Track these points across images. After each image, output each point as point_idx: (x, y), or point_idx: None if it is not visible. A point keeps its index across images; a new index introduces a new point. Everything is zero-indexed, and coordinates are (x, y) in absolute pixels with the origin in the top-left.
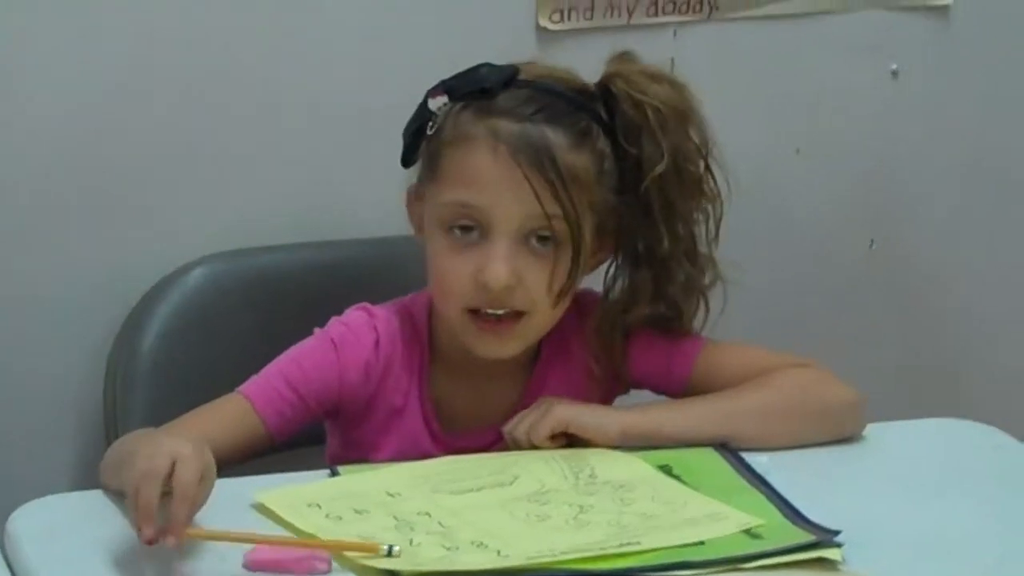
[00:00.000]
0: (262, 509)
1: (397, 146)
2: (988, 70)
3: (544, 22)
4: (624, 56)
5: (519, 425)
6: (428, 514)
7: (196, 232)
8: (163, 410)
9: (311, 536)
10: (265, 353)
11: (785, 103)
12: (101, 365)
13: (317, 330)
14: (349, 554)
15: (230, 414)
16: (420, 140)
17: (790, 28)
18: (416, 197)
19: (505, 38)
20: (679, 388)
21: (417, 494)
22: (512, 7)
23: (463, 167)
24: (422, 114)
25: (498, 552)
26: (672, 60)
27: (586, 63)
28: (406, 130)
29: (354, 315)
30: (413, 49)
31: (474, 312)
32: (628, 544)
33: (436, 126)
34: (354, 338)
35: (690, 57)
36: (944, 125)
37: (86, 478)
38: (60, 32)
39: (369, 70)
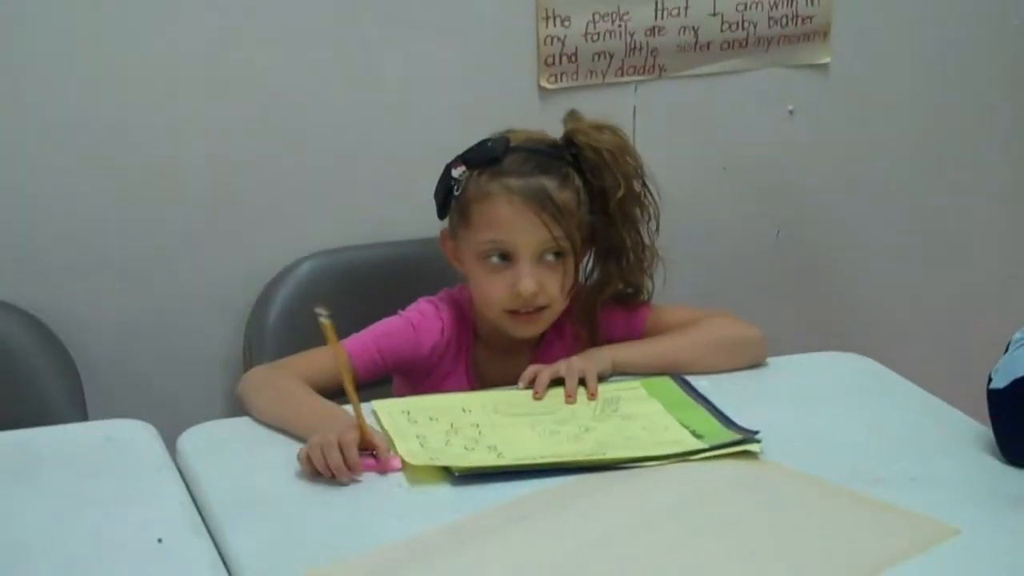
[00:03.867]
0: (375, 414)
1: (439, 171)
2: (855, 107)
3: (544, 83)
4: (574, 115)
5: (563, 369)
6: (478, 425)
7: (304, 236)
8: None
9: (386, 430)
10: (354, 325)
11: (714, 135)
12: (240, 331)
13: (400, 311)
14: (413, 462)
15: (332, 362)
16: (450, 200)
17: (717, 82)
18: (449, 238)
19: (515, 94)
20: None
21: (481, 411)
22: (520, 73)
23: (489, 216)
24: (447, 181)
25: (499, 455)
26: (634, 108)
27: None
28: (436, 193)
29: (426, 307)
30: (451, 105)
31: (511, 311)
32: (594, 454)
33: (461, 189)
34: (428, 325)
35: (647, 105)
36: (826, 146)
37: (230, 410)
38: (208, 98)
39: (422, 121)
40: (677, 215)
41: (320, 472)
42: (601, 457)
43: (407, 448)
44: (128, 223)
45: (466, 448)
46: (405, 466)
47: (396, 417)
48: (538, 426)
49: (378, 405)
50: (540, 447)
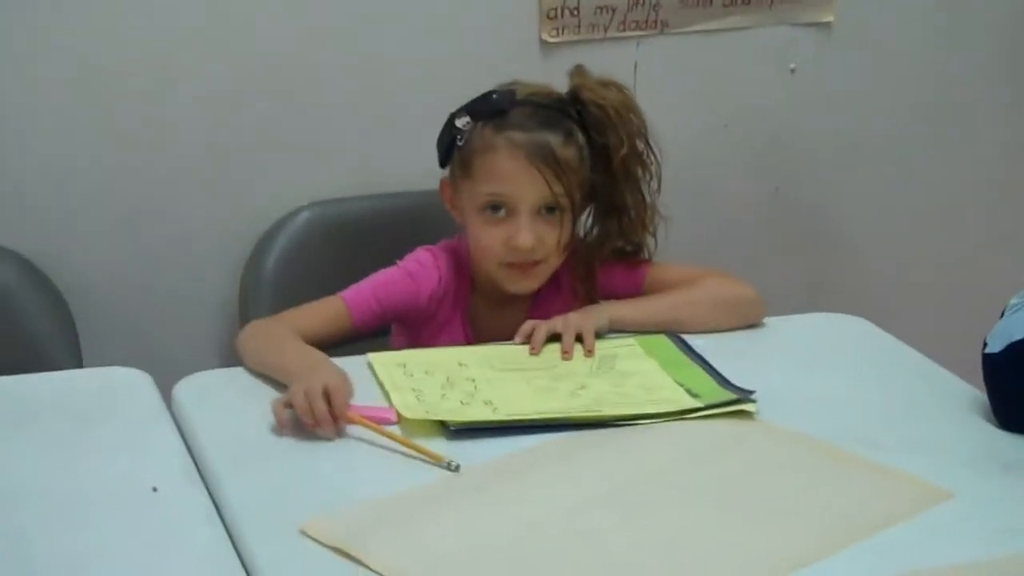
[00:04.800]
0: (370, 366)
1: (437, 129)
2: (857, 66)
3: (545, 36)
4: (580, 70)
5: (560, 325)
6: (473, 380)
7: (300, 186)
8: (279, 312)
9: (382, 384)
10: (349, 274)
11: (715, 92)
12: (237, 281)
13: (399, 262)
14: (409, 416)
15: (330, 313)
16: (452, 150)
17: (719, 39)
18: (450, 186)
19: (516, 48)
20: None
21: (477, 366)
22: (522, 25)
23: (492, 168)
24: (451, 131)
25: (494, 409)
26: (636, 64)
27: (573, 64)
28: (439, 142)
29: (424, 256)
30: (451, 58)
31: (507, 264)
32: (589, 411)
33: (464, 139)
34: (425, 273)
35: (649, 61)
36: (827, 106)
37: (226, 359)
38: (206, 48)
39: (421, 74)
40: (676, 171)
41: (303, 421)
42: (596, 414)
43: (403, 401)
44: (125, 171)
45: (462, 403)
46: (400, 419)
47: (391, 370)
48: (534, 382)
49: (373, 358)
50: (535, 403)
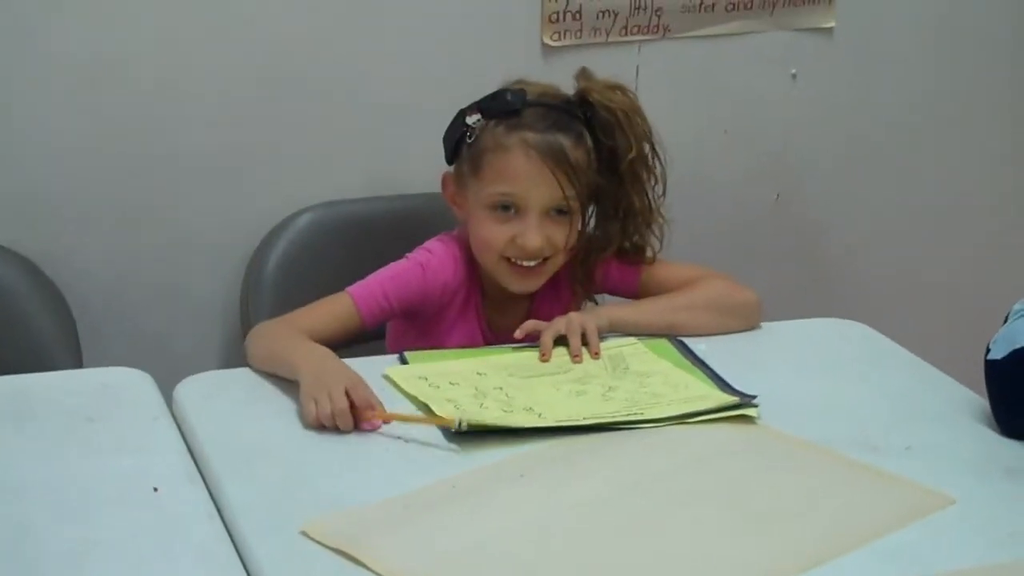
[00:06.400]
0: (387, 378)
1: (439, 131)
2: (859, 73)
3: (547, 40)
4: (586, 72)
5: (563, 327)
6: (501, 388)
7: (303, 188)
8: (281, 314)
9: (415, 397)
10: (352, 276)
11: (717, 98)
12: (238, 282)
13: (409, 254)
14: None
15: (339, 310)
16: (461, 146)
17: (721, 44)
18: (454, 183)
19: (518, 51)
20: (631, 296)
21: (496, 375)
22: (523, 29)
23: (504, 168)
24: (459, 127)
25: (539, 415)
26: (637, 68)
27: (575, 68)
28: (446, 138)
29: (437, 246)
30: (453, 60)
31: (507, 259)
32: (634, 414)
33: (474, 137)
34: (438, 263)
35: (650, 66)
36: (828, 112)
37: (227, 360)
38: (210, 48)
39: (425, 76)
40: (677, 177)
41: (342, 428)
42: (642, 416)
43: (445, 412)
44: (127, 171)
45: (504, 411)
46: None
47: (415, 383)
48: (561, 387)
49: (391, 371)
50: (577, 408)
